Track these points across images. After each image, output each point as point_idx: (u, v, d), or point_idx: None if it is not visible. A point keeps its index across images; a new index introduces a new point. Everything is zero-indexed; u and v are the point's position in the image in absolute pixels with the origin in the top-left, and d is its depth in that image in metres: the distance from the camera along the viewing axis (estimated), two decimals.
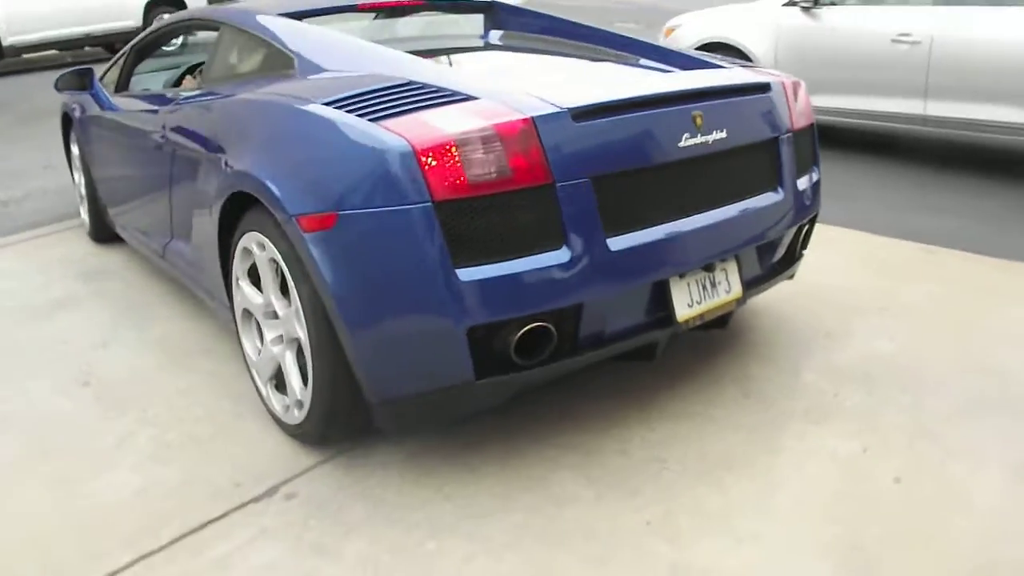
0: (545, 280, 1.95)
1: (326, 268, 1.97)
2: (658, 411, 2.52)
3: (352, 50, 2.56)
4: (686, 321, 2.26)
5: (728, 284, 2.39)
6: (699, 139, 2.19)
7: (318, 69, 2.50)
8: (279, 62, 2.67)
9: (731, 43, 5.76)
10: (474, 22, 3.47)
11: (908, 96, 4.99)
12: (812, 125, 2.69)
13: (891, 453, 2.30)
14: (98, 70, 4.19)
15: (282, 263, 2.16)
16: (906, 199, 4.66)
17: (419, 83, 2.18)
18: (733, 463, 2.27)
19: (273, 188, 2.09)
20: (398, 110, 2.00)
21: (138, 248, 3.80)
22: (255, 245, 2.32)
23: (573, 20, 3.29)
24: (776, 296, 3.29)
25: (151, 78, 4.16)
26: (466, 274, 1.89)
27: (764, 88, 2.47)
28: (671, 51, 2.88)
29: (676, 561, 1.91)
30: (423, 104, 2.02)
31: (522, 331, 1.97)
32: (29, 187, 5.63)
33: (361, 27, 3.43)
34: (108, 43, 11.71)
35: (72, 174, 4.74)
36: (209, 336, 3.21)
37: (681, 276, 2.25)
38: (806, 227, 2.74)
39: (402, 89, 2.13)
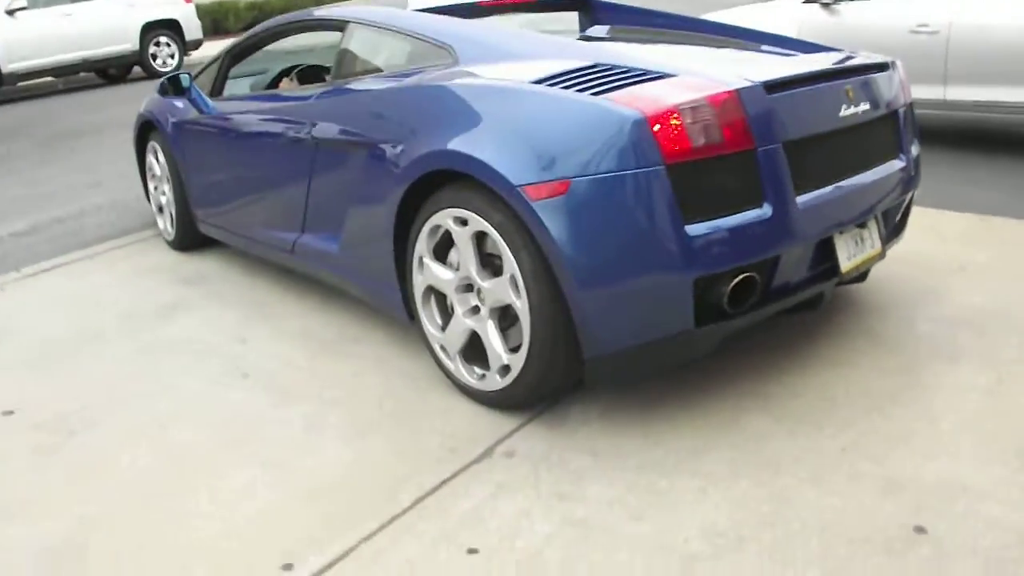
0: (754, 234, 2.21)
1: (559, 232, 2.18)
2: (808, 361, 2.78)
3: (509, 37, 2.78)
4: (847, 272, 2.54)
5: (872, 240, 2.67)
6: (852, 110, 2.48)
7: (479, 58, 2.69)
8: (433, 53, 2.85)
9: None
10: (570, 19, 3.70)
11: (929, 83, 5.38)
12: (912, 102, 2.99)
13: (1022, 380, 2.59)
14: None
15: (495, 234, 2.36)
16: (948, 177, 5.02)
17: (608, 64, 2.41)
18: (892, 397, 2.54)
19: (490, 162, 2.29)
20: (614, 85, 2.24)
21: (246, 249, 3.93)
22: (451, 221, 2.51)
23: (668, 12, 3.54)
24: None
25: (234, 84, 4.24)
26: (694, 229, 2.14)
27: (886, 67, 2.76)
28: (780, 36, 3.16)
29: (884, 475, 2.17)
30: (632, 80, 2.27)
31: (735, 281, 2.22)
32: (82, 205, 5.69)
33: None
34: (102, 68, 11.70)
35: (146, 185, 4.81)
36: (351, 324, 3.37)
37: (840, 232, 2.53)
38: (912, 197, 3.04)
39: (600, 69, 2.37)
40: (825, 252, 2.51)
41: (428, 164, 2.52)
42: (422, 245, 2.66)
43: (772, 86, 2.29)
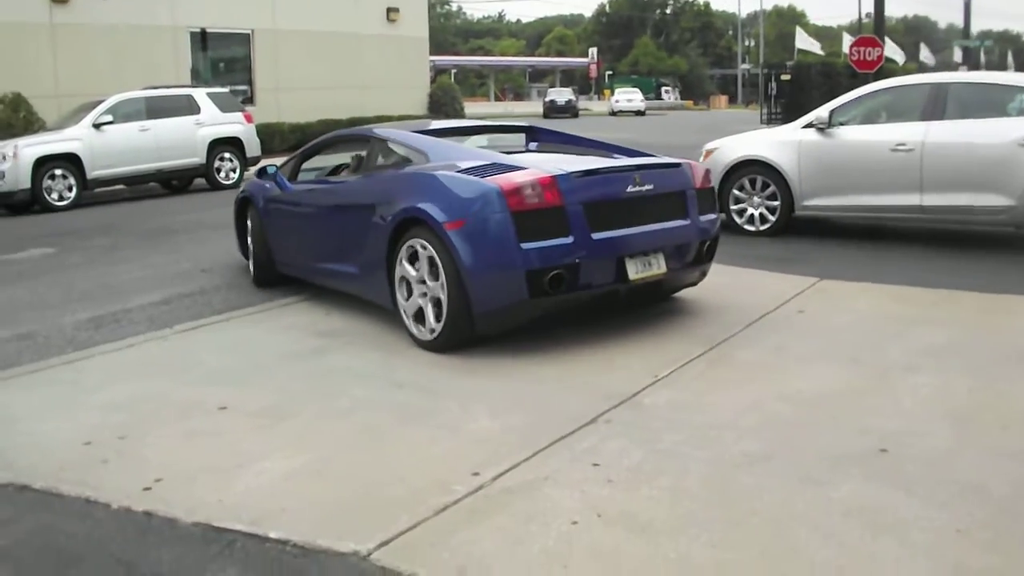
0: (560, 251, 4.57)
1: (460, 247, 4.57)
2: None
3: (458, 149, 5.51)
4: (635, 281, 4.82)
5: (659, 264, 4.97)
6: (636, 188, 4.87)
7: (443, 158, 5.22)
8: (416, 157, 5.48)
9: (762, 159, 7.72)
10: (520, 137, 6.53)
11: (907, 192, 6.91)
12: (711, 188, 5.42)
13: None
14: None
15: (433, 251, 4.70)
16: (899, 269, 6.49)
17: (499, 162, 4.95)
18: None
19: (431, 212, 4.74)
20: (494, 174, 4.72)
21: (309, 279, 6.24)
22: (419, 245, 4.85)
23: (580, 135, 6.11)
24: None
25: (304, 173, 6.76)
26: (525, 246, 4.51)
27: (676, 166, 5.22)
28: (628, 148, 5.73)
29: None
30: (505, 171, 4.75)
31: (550, 274, 4.54)
32: (201, 284, 6.95)
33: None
34: (168, 179, 13.40)
35: (245, 241, 6.98)
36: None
37: (631, 257, 4.82)
38: (708, 243, 5.28)
39: (492, 165, 4.91)
40: (621, 268, 4.76)
41: (403, 215, 4.98)
42: (403, 254, 4.99)
43: (579, 174, 4.71)
